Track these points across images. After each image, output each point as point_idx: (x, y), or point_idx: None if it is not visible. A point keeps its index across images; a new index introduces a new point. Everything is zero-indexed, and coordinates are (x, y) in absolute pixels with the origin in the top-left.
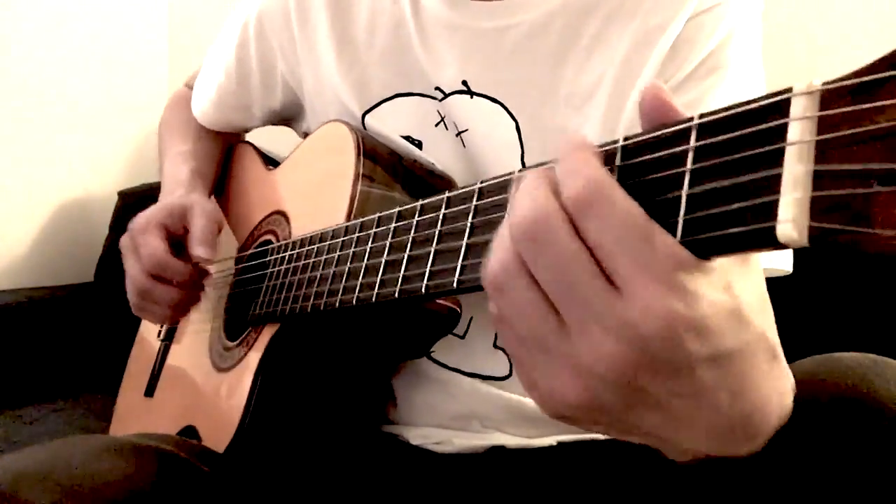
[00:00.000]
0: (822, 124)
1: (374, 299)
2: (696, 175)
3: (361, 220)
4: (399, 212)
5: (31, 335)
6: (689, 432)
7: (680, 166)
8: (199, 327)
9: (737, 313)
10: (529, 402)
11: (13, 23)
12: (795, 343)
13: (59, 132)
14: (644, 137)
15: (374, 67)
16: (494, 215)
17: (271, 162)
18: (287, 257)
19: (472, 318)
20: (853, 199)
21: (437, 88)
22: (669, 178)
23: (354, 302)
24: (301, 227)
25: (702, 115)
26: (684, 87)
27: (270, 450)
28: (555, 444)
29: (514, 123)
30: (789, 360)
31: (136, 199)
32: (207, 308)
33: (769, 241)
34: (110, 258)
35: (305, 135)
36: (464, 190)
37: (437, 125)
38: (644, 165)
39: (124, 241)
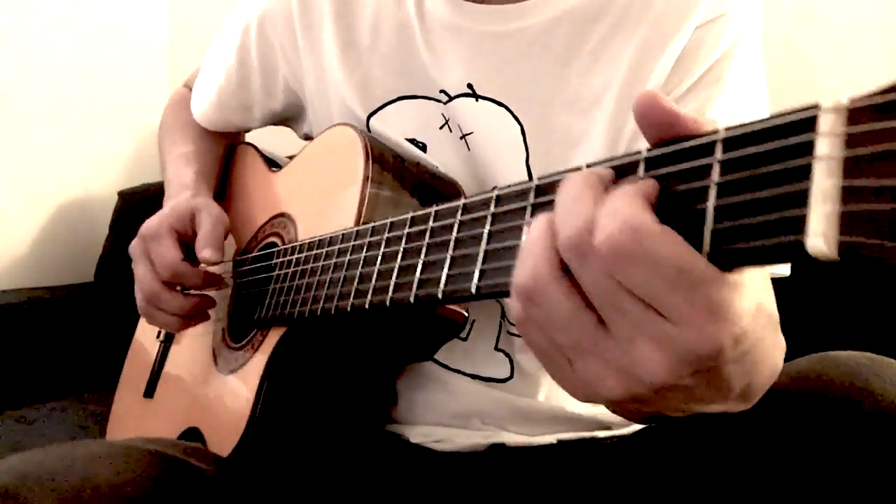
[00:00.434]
0: (850, 140)
1: (388, 303)
2: (723, 188)
3: (373, 224)
4: (412, 217)
5: (31, 335)
6: (698, 405)
7: (706, 178)
8: (200, 329)
9: (759, 307)
10: (530, 401)
11: (13, 23)
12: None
13: (59, 132)
14: (667, 150)
15: (378, 70)
16: (512, 223)
17: (273, 164)
18: (295, 260)
19: (474, 321)
20: (881, 214)
21: (442, 91)
22: (695, 191)
23: (367, 306)
24: (308, 229)
25: (728, 129)
26: (689, 96)
27: (275, 451)
28: (555, 442)
29: (518, 127)
30: (789, 360)
31: (136, 199)
32: (210, 310)
33: (799, 254)
34: (110, 258)
35: (306, 136)
36: (480, 197)
37: (441, 128)
38: (668, 177)
39: (135, 245)
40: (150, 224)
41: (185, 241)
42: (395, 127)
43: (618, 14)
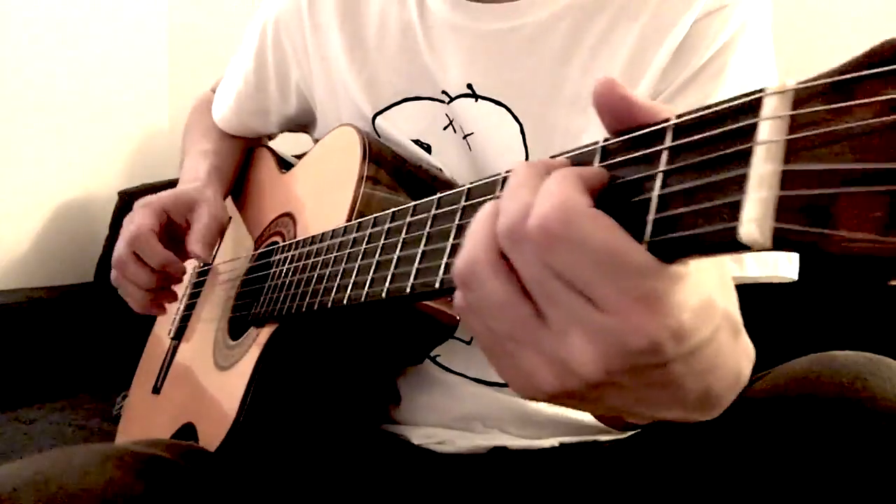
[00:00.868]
0: (794, 124)
1: (363, 299)
2: (668, 175)
3: (359, 221)
4: (393, 213)
5: (31, 335)
6: (651, 409)
7: (654, 166)
8: (207, 326)
9: (706, 304)
10: (533, 405)
11: (13, 23)
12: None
13: (59, 132)
14: (622, 139)
15: (384, 70)
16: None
17: (286, 165)
18: (288, 258)
19: None
20: (818, 200)
21: (444, 92)
22: (643, 179)
23: (345, 301)
24: (305, 228)
25: (679, 116)
26: (689, 89)
27: (267, 449)
28: (557, 445)
29: (518, 126)
30: (787, 360)
31: (136, 200)
32: (216, 308)
33: (731, 241)
34: (110, 258)
35: (317, 141)
36: (454, 192)
37: (445, 129)
38: (621, 166)
39: (128, 216)
40: (146, 197)
41: (176, 227)
42: (401, 128)
43: (615, 10)
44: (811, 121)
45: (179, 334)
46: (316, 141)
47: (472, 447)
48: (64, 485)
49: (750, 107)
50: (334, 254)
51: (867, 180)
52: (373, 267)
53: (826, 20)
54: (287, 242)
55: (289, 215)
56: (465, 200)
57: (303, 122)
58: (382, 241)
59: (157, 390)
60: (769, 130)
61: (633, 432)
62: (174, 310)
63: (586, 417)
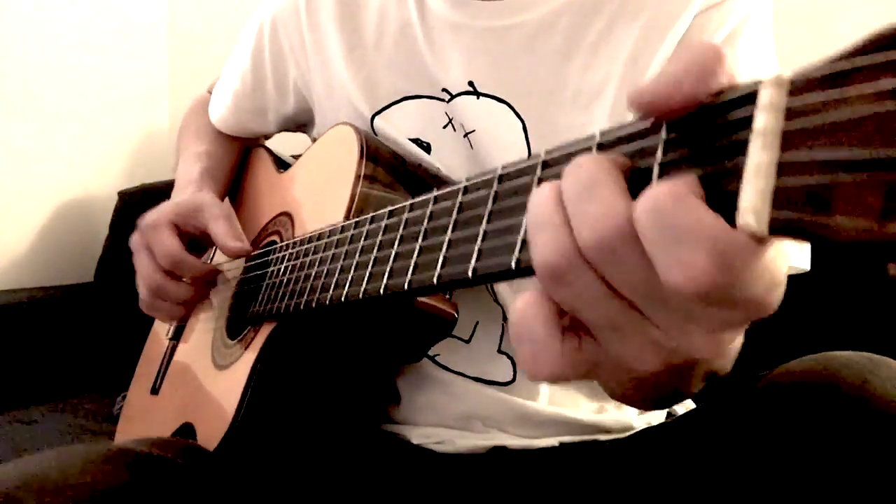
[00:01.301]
0: (790, 113)
1: (361, 295)
2: (665, 168)
3: (356, 219)
4: (390, 210)
5: (31, 335)
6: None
7: (651, 159)
8: (205, 326)
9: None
10: (533, 404)
11: (13, 23)
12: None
13: (59, 132)
14: (617, 132)
15: (382, 69)
16: (477, 211)
17: (283, 165)
18: (286, 256)
19: (477, 323)
20: (816, 189)
21: (444, 90)
22: (641, 171)
23: (343, 298)
24: (303, 227)
25: None
26: None
27: (265, 448)
28: (557, 444)
29: (520, 123)
30: (787, 360)
31: (136, 200)
32: (214, 307)
33: None
34: (110, 258)
35: (315, 140)
36: (451, 188)
37: (444, 127)
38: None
39: (135, 238)
40: (149, 216)
41: (187, 235)
42: (400, 127)
43: (616, 6)
44: (808, 110)
45: (178, 334)
46: (314, 140)
47: (471, 447)
48: (63, 484)
49: (747, 97)
50: (332, 251)
51: (864, 168)
52: (370, 263)
53: (826, 13)
54: (285, 242)
55: (286, 215)
56: (462, 196)
57: (301, 122)
58: (380, 238)
59: (155, 390)
60: (765, 120)
61: (639, 429)
62: None
63: (586, 417)
